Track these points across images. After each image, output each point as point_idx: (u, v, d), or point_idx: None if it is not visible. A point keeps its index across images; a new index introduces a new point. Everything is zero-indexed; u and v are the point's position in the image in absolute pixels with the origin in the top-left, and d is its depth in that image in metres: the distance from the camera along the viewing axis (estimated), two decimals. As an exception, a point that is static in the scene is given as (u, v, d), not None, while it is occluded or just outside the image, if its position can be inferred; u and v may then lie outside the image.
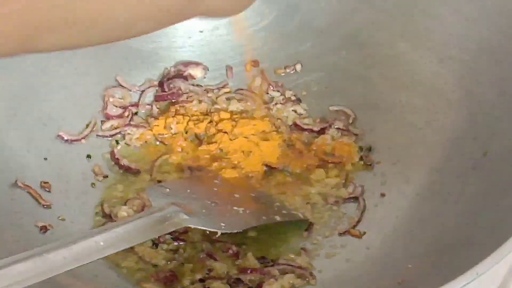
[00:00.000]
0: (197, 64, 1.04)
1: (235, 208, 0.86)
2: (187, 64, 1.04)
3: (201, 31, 1.05)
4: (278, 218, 0.86)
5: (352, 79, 1.00)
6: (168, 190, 0.84)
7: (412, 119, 0.94)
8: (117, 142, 0.97)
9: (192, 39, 1.05)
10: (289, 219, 0.88)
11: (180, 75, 1.03)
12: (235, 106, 1.01)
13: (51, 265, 0.64)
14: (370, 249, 0.85)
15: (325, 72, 1.02)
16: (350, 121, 0.98)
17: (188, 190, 0.86)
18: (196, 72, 1.04)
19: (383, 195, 0.90)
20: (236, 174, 0.93)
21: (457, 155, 0.86)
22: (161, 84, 1.03)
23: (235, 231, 0.83)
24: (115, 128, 0.98)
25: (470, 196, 0.81)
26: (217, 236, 0.82)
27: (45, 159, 0.91)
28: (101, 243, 0.68)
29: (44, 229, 0.83)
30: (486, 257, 0.63)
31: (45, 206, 0.86)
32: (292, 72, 1.04)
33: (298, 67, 1.03)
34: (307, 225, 0.88)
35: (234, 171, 0.93)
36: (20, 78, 0.93)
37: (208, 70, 1.04)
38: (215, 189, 0.90)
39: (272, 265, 0.83)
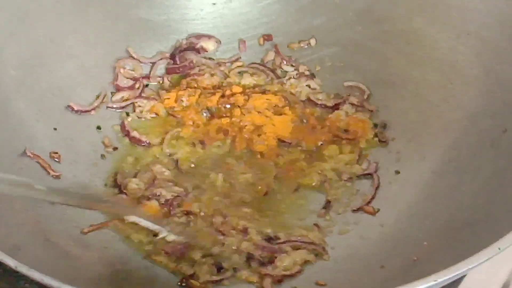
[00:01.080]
0: (209, 37, 1.02)
1: None
2: (199, 36, 1.02)
3: (214, 4, 1.04)
4: None
5: (367, 54, 0.99)
6: None
7: (428, 95, 0.92)
8: (127, 114, 0.95)
9: (204, 11, 1.04)
10: None
11: (192, 48, 1.01)
12: (247, 80, 1.00)
13: None
14: (384, 226, 0.83)
15: (340, 47, 1.01)
16: (365, 97, 0.96)
17: None
18: (209, 45, 1.02)
19: (397, 172, 0.88)
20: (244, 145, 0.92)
21: (474, 132, 0.85)
22: (173, 57, 1.01)
23: None
24: (126, 100, 0.96)
25: (488, 174, 0.79)
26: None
27: (55, 129, 0.90)
28: None
29: (53, 199, 0.82)
30: (506, 233, 0.62)
31: (54, 177, 0.85)
32: (306, 46, 1.02)
33: (313, 41, 1.02)
34: (325, 203, 0.87)
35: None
36: (29, 46, 0.91)
37: (220, 43, 1.03)
38: None
39: (283, 242, 0.82)
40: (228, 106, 0.95)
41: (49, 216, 0.78)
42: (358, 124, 0.94)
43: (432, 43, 0.93)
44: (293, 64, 1.01)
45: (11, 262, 0.60)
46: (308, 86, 0.99)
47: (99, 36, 0.98)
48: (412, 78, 0.94)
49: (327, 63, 1.01)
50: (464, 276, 0.79)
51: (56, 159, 0.87)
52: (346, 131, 0.94)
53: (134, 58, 1.00)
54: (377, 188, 0.87)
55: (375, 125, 0.94)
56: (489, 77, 0.86)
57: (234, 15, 1.04)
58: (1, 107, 0.85)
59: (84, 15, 0.96)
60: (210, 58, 1.02)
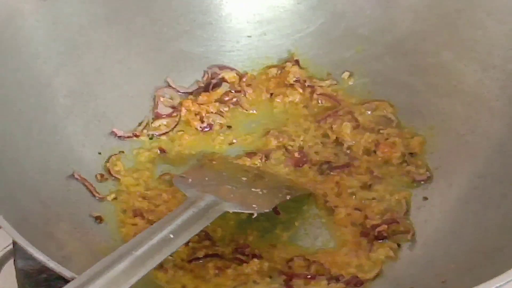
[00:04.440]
0: (231, 69, 1.07)
1: (253, 189, 0.87)
2: (222, 67, 1.07)
3: (249, 36, 1.08)
4: (288, 196, 0.88)
5: (396, 86, 1.02)
6: (190, 180, 0.86)
7: (455, 126, 0.95)
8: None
9: (240, 43, 1.08)
10: (298, 193, 0.90)
11: (214, 78, 1.06)
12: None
13: (141, 262, 0.66)
14: (412, 249, 0.86)
15: (369, 78, 1.05)
16: (393, 125, 1.00)
17: (206, 178, 0.88)
18: (229, 76, 1.06)
19: (425, 198, 0.91)
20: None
21: (500, 161, 0.88)
22: (207, 87, 1.05)
23: (266, 210, 0.84)
24: (165, 127, 1.01)
25: (513, 200, 0.82)
26: (253, 217, 0.83)
27: (99, 153, 0.95)
28: (171, 236, 0.71)
29: (99, 219, 0.86)
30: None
31: (98, 198, 0.90)
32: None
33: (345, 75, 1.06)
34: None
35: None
36: (77, 76, 0.97)
37: (242, 76, 1.07)
38: (224, 173, 0.92)
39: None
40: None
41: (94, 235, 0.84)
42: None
43: (459, 76, 0.97)
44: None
45: (67, 273, 0.63)
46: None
47: (142, 66, 1.03)
48: (440, 109, 0.97)
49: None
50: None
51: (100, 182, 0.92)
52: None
53: (172, 88, 1.05)
54: (405, 213, 0.91)
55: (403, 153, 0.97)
56: (514, 109, 0.90)
57: (268, 47, 1.09)
58: (52, 132, 0.90)
59: (128, 47, 1.02)
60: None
